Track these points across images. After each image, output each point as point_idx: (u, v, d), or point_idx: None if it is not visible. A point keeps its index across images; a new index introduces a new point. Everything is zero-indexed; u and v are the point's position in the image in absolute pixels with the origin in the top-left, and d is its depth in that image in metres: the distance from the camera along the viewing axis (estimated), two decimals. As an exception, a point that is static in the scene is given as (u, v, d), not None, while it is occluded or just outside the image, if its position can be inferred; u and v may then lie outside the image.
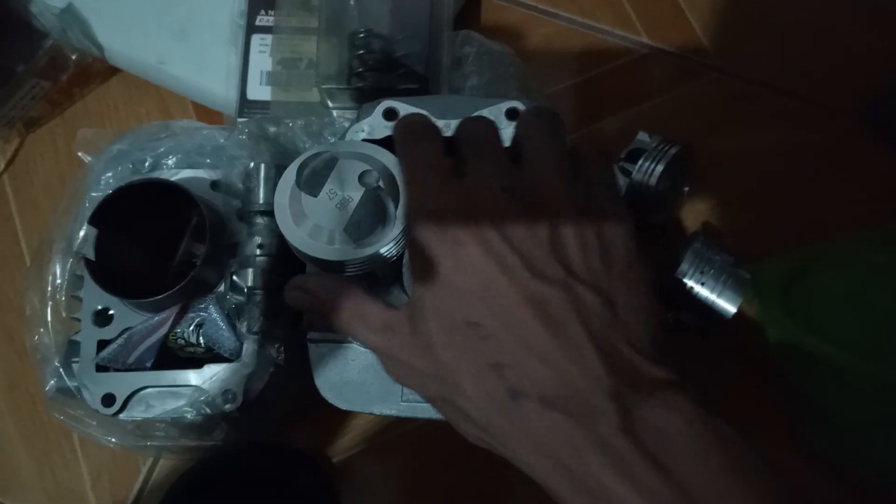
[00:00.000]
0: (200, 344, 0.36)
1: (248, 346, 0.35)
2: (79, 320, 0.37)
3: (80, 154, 0.40)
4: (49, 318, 0.37)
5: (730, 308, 0.40)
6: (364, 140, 0.33)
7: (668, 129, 0.44)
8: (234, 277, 0.36)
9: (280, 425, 0.44)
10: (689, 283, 0.41)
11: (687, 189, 0.46)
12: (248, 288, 0.35)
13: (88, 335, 0.36)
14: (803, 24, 0.51)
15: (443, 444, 0.43)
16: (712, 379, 0.42)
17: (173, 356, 0.36)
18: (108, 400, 0.35)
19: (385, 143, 0.32)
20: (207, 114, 0.51)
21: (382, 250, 0.30)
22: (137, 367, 0.35)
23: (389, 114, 0.33)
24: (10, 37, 0.48)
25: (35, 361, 0.37)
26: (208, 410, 0.34)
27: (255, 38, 0.47)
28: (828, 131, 0.48)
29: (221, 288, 0.36)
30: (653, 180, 0.42)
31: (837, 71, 0.49)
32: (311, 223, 0.31)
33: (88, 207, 0.38)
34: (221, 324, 0.35)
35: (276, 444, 0.44)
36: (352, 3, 0.44)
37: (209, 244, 0.35)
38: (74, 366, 0.36)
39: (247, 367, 0.35)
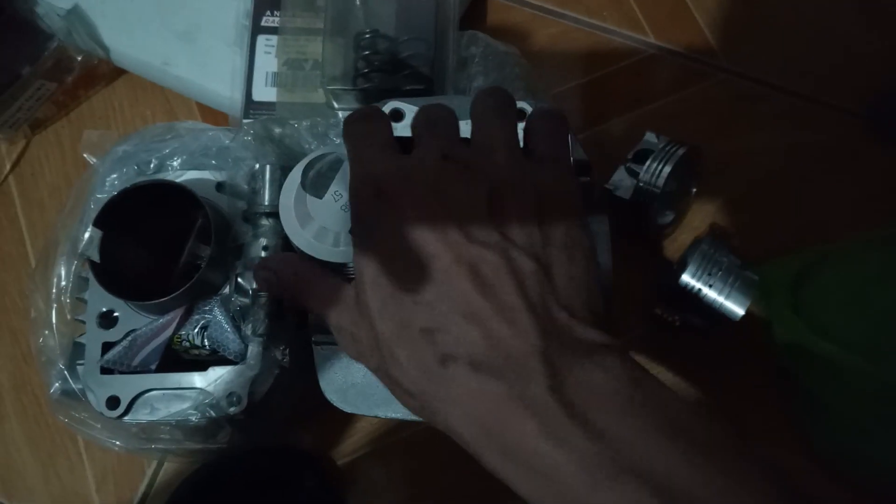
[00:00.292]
0: (205, 346, 0.36)
1: (253, 349, 0.35)
2: (84, 322, 0.36)
3: (85, 155, 0.40)
4: (54, 321, 0.37)
5: (738, 310, 0.40)
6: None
7: (676, 130, 0.44)
8: (239, 279, 0.36)
9: (285, 428, 0.44)
10: (698, 285, 0.40)
11: (694, 190, 0.46)
12: (253, 290, 0.35)
13: (93, 337, 0.36)
14: (803, 24, 0.50)
15: (448, 447, 0.42)
16: (712, 379, 0.43)
17: (178, 358, 0.36)
18: (113, 402, 0.35)
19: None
20: (213, 115, 0.51)
21: (388, 252, 0.30)
22: (142, 369, 0.35)
23: (395, 115, 0.33)
24: (15, 39, 0.48)
25: (40, 364, 0.37)
26: (213, 413, 0.34)
27: (261, 39, 0.47)
28: (833, 131, 0.48)
29: (226, 290, 0.36)
30: (660, 181, 0.41)
31: (838, 71, 0.49)
32: (317, 225, 0.31)
33: (93, 209, 0.38)
34: (226, 326, 0.35)
35: (281, 446, 0.44)
36: (357, 3, 0.44)
37: (214, 246, 0.35)
38: (79, 368, 0.36)
39: (251, 370, 0.35)
